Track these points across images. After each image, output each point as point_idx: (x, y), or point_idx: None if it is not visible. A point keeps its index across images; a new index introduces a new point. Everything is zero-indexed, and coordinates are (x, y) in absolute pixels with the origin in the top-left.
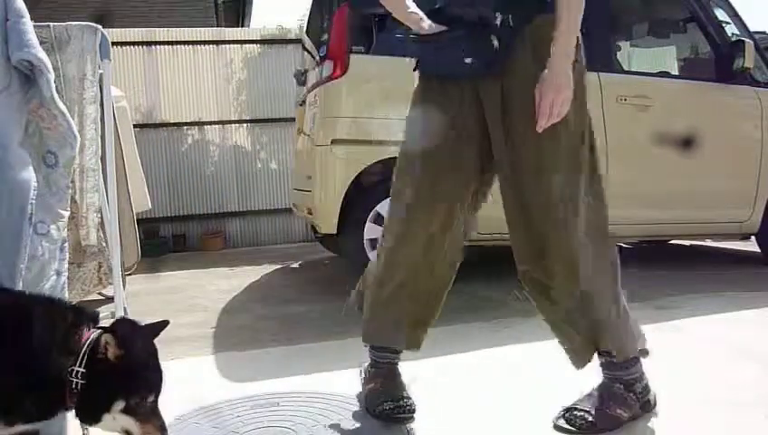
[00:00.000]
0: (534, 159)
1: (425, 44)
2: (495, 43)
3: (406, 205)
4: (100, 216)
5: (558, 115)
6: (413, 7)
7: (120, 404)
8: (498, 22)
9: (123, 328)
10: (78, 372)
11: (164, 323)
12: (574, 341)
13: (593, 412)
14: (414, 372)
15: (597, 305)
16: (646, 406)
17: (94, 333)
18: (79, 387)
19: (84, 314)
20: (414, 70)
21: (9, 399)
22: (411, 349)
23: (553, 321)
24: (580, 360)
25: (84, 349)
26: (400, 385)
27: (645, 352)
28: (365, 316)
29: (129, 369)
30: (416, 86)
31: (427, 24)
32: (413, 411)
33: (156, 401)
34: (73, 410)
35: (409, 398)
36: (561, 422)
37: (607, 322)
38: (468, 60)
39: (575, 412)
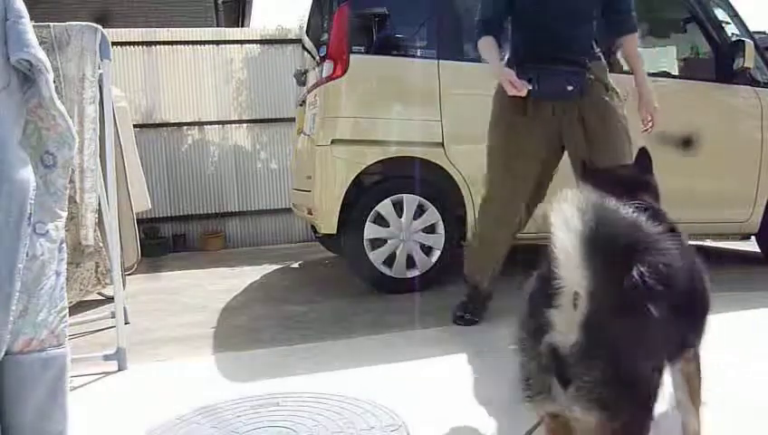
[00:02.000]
0: (612, 150)
1: (532, 77)
2: (590, 76)
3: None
4: (97, 216)
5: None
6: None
7: None
8: (588, 63)
9: None
10: None
11: None
12: None
13: None
14: (414, 371)
15: None
16: None
17: None
18: None
19: None
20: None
21: None
22: None
23: None
24: None
25: None
26: None
27: None
28: None
29: None
30: (501, 102)
31: (513, 78)
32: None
33: None
34: None
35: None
36: None
37: None
38: (570, 87)
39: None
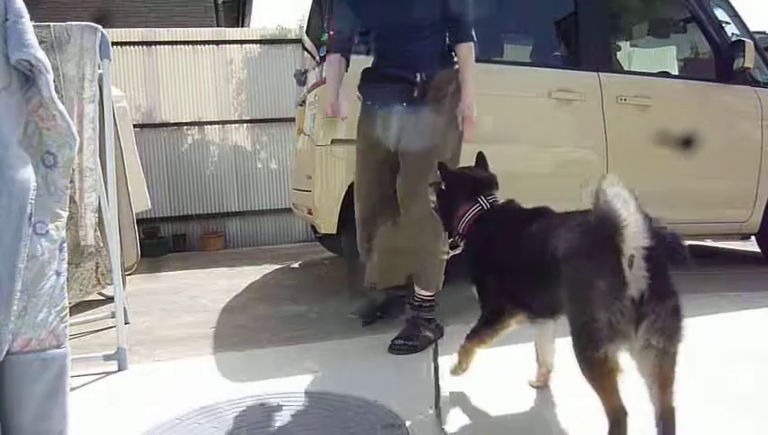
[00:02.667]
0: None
1: (371, 90)
2: (417, 92)
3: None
4: (97, 215)
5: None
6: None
7: None
8: (418, 79)
9: None
10: None
11: None
12: None
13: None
14: (414, 371)
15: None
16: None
17: None
18: None
19: None
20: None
21: None
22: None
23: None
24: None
25: None
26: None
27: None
28: None
29: None
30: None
31: (332, 103)
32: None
33: None
34: None
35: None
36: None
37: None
38: (398, 104)
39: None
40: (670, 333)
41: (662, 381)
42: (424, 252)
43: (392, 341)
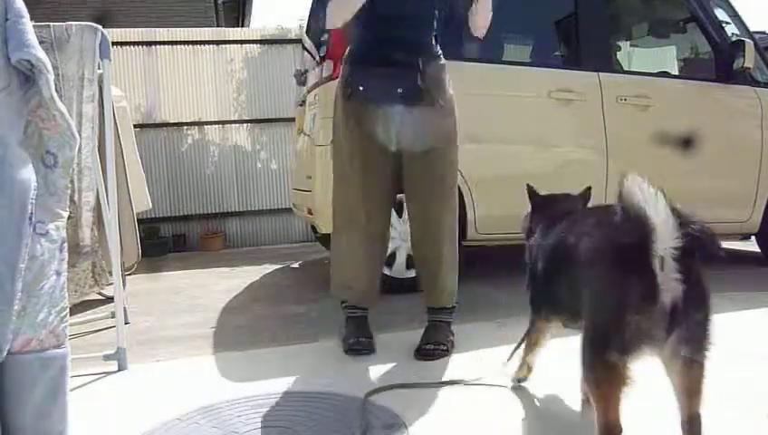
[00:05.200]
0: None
1: (366, 74)
2: (420, 79)
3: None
4: (93, 215)
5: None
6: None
7: None
8: (420, 65)
9: None
10: None
11: None
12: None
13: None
14: (414, 371)
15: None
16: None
17: None
18: None
19: None
20: (349, 98)
21: None
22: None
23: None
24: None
25: None
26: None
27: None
28: None
29: None
30: (343, 106)
31: None
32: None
33: None
34: None
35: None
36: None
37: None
38: (399, 90)
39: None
40: (700, 342)
41: (689, 390)
42: (446, 262)
43: (422, 347)
